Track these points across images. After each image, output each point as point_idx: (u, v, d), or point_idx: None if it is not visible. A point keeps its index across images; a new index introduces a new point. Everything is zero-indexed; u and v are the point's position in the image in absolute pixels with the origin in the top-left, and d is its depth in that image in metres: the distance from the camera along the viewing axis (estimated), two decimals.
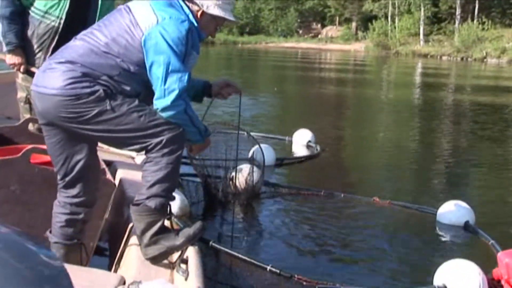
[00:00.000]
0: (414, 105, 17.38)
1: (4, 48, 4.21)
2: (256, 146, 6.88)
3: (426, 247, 4.79)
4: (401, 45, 51.57)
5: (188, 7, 2.89)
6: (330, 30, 67.64)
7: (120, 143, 2.94)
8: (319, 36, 67.64)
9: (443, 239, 5.01)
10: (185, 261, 2.72)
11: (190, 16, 2.87)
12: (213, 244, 3.27)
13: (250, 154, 6.78)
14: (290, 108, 16.08)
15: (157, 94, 2.76)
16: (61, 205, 2.95)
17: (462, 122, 13.89)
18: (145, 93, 2.83)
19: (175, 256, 2.87)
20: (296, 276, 3.39)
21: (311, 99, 18.73)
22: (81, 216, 2.96)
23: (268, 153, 7.00)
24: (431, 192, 6.81)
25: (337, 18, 66.97)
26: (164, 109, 2.75)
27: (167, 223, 3.13)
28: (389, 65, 38.07)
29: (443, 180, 7.70)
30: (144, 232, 2.81)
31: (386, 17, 56.86)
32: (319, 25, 70.36)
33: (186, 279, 2.61)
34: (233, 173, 5.52)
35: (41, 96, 2.75)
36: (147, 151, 2.80)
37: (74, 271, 2.55)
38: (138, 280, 2.40)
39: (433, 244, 4.88)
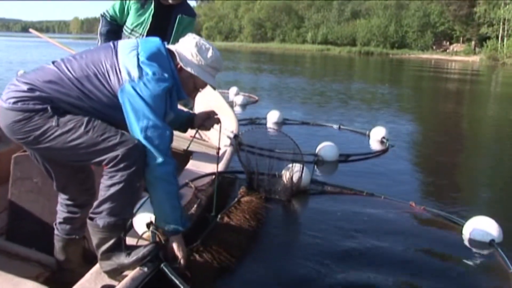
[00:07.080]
0: None
1: None
2: (323, 143, 5.63)
3: (443, 263, 3.07)
4: (507, 58, 48.02)
5: (173, 60, 2.11)
6: (456, 46, 64.14)
7: (75, 161, 2.06)
8: (447, 50, 64.41)
9: (464, 256, 3.19)
10: (111, 287, 2.01)
11: (175, 73, 2.09)
12: (163, 267, 2.13)
13: (316, 150, 5.52)
14: (399, 102, 12.71)
15: (148, 156, 1.97)
16: (60, 204, 2.30)
17: None
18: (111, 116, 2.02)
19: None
20: None
21: (425, 94, 16.35)
22: (78, 215, 2.27)
23: (330, 150, 5.52)
24: (475, 201, 4.67)
25: (461, 38, 63.45)
26: (159, 166, 1.98)
27: (147, 234, 2.28)
28: (497, 71, 35.42)
29: (496, 192, 5.02)
30: (97, 247, 2.04)
31: (497, 38, 53.19)
32: (448, 43, 66.99)
33: None
34: (280, 171, 4.24)
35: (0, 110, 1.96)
36: (106, 166, 1.96)
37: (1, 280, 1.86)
38: None
39: (451, 260, 3.13)
